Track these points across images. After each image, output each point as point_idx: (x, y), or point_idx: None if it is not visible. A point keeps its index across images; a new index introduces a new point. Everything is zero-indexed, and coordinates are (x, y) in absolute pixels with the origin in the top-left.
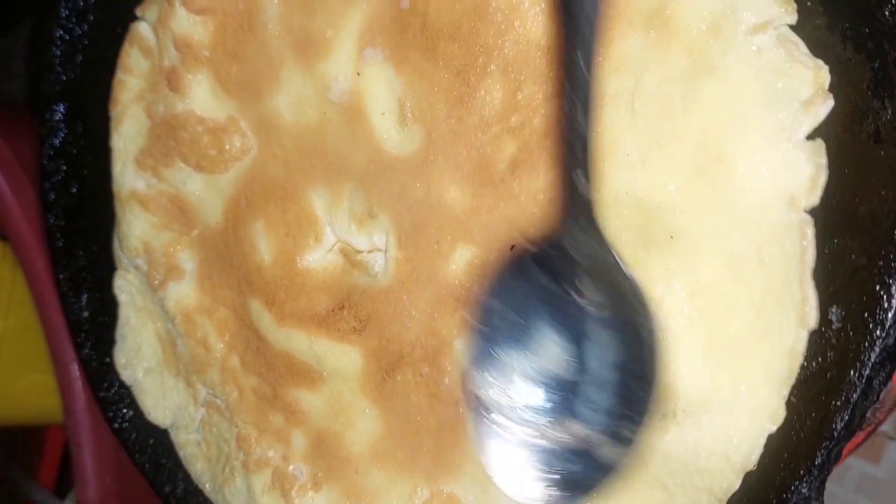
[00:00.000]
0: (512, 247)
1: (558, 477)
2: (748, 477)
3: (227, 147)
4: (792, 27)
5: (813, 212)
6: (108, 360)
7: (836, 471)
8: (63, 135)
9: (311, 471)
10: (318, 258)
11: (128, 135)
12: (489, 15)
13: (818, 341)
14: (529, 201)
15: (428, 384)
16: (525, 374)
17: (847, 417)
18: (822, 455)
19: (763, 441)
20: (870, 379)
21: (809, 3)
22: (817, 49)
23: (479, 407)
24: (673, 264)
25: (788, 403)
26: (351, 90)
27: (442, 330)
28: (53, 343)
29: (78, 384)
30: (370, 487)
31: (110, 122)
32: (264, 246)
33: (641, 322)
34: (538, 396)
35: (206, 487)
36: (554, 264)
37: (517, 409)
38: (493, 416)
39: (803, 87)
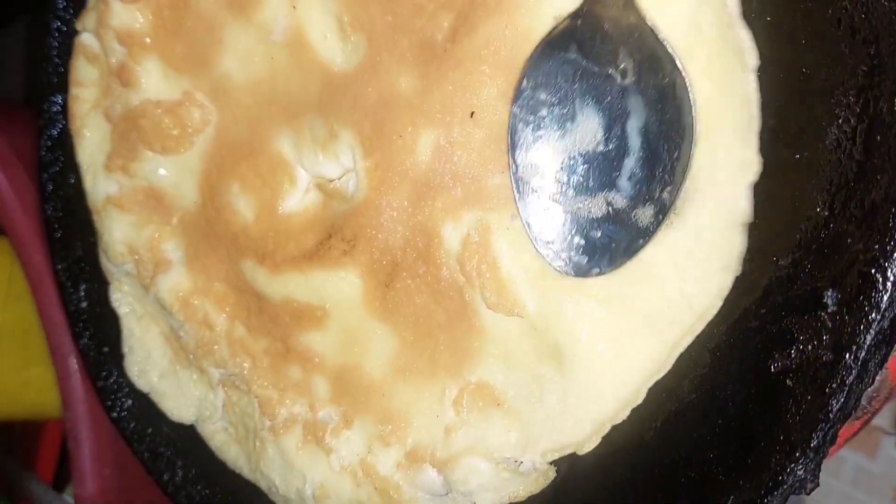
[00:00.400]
0: (472, 113)
1: (602, 243)
2: (743, 459)
3: (188, 122)
4: None
5: (813, 201)
6: (105, 349)
7: (832, 464)
8: (61, 126)
9: (340, 410)
10: (297, 200)
11: (92, 146)
12: None
13: (814, 325)
14: (476, 61)
15: (427, 282)
16: (563, 152)
17: (843, 399)
18: (818, 437)
19: (749, 191)
20: (865, 361)
21: None
22: None
23: (522, 188)
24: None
25: (784, 388)
26: (291, 25)
27: (427, 223)
28: (52, 336)
29: (76, 377)
30: (400, 407)
31: (73, 138)
32: (244, 205)
33: (676, 85)
34: (577, 173)
35: (244, 471)
36: (583, 38)
37: (558, 188)
38: (535, 196)
39: None
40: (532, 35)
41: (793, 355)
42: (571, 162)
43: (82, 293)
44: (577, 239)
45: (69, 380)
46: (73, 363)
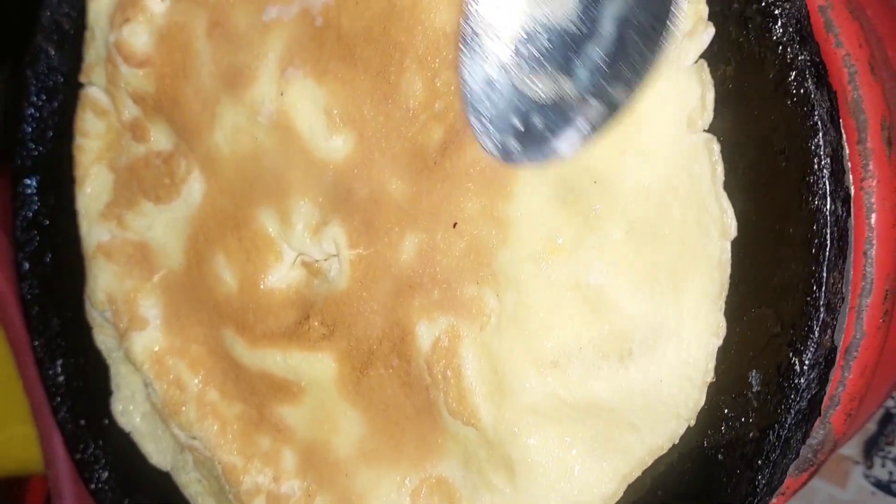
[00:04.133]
0: (454, 224)
1: (539, 132)
2: None
3: (176, 171)
4: None
5: (731, 284)
6: (82, 422)
7: (805, 493)
8: (36, 207)
9: (303, 485)
10: (282, 276)
11: (92, 194)
12: (396, 14)
13: (741, 403)
14: (462, 178)
15: (399, 374)
16: (526, 17)
17: (769, 474)
18: None
19: (714, 353)
20: (787, 439)
21: None
22: None
23: (471, 42)
24: (603, 208)
25: (716, 461)
26: (278, 110)
27: (403, 318)
28: (32, 396)
29: (58, 436)
30: (360, 489)
31: (74, 185)
32: (229, 276)
33: None
34: (536, 46)
35: None
36: None
37: (510, 57)
38: (482, 58)
39: (685, 20)
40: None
41: (723, 432)
42: (533, 31)
43: (59, 368)
44: (514, 120)
45: (51, 440)
46: (55, 425)
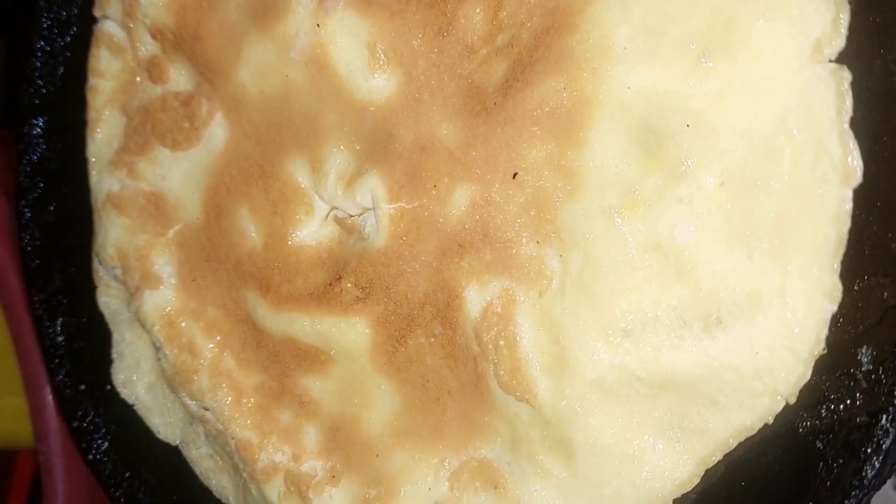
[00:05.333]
0: (514, 175)
1: None
2: None
3: (197, 114)
4: None
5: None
6: (82, 386)
7: None
8: (41, 150)
9: (327, 465)
10: (312, 232)
11: (104, 140)
12: None
13: (847, 384)
14: (527, 120)
15: (443, 344)
16: None
17: (878, 465)
18: None
19: (827, 321)
20: None
21: None
22: None
23: None
24: (695, 155)
25: (812, 449)
26: (313, 44)
27: (450, 281)
28: (26, 365)
29: (51, 409)
30: (391, 471)
31: (86, 129)
32: (252, 231)
33: None
34: None
35: (230, 501)
36: None
37: None
38: None
39: None
40: (594, 102)
41: (823, 415)
42: None
43: (59, 327)
44: None
45: (43, 412)
46: (49, 396)
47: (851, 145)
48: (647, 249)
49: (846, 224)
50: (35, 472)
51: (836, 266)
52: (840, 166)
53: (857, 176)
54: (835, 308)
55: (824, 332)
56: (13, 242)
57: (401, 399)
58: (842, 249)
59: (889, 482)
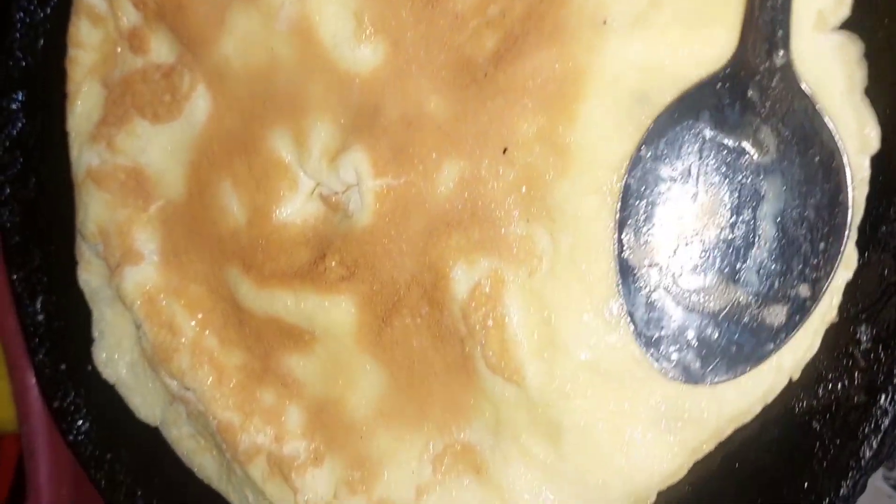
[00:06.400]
0: (504, 150)
1: (720, 345)
2: None
3: (178, 86)
4: None
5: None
6: (63, 366)
7: None
8: (21, 124)
9: (311, 446)
10: (296, 209)
11: (83, 113)
12: None
13: (845, 363)
14: (518, 92)
15: (429, 325)
16: (680, 236)
17: (876, 446)
18: (847, 486)
19: (842, 288)
20: None
21: None
22: None
23: (627, 273)
24: None
25: (808, 429)
26: (298, 14)
27: (437, 260)
28: (9, 348)
29: (34, 391)
30: (375, 453)
31: (66, 102)
32: (236, 207)
33: (832, 165)
34: (696, 261)
35: (213, 481)
36: (721, 104)
37: (671, 277)
38: (642, 284)
39: None
40: (587, 75)
41: (820, 395)
42: (689, 248)
43: (39, 306)
44: (689, 338)
45: (26, 395)
46: (31, 378)
47: (867, 116)
48: None
49: (865, 191)
50: (20, 457)
51: (853, 234)
52: (856, 136)
53: (874, 144)
54: (849, 276)
55: (838, 298)
56: None
57: (386, 380)
58: (858, 217)
59: (888, 483)
